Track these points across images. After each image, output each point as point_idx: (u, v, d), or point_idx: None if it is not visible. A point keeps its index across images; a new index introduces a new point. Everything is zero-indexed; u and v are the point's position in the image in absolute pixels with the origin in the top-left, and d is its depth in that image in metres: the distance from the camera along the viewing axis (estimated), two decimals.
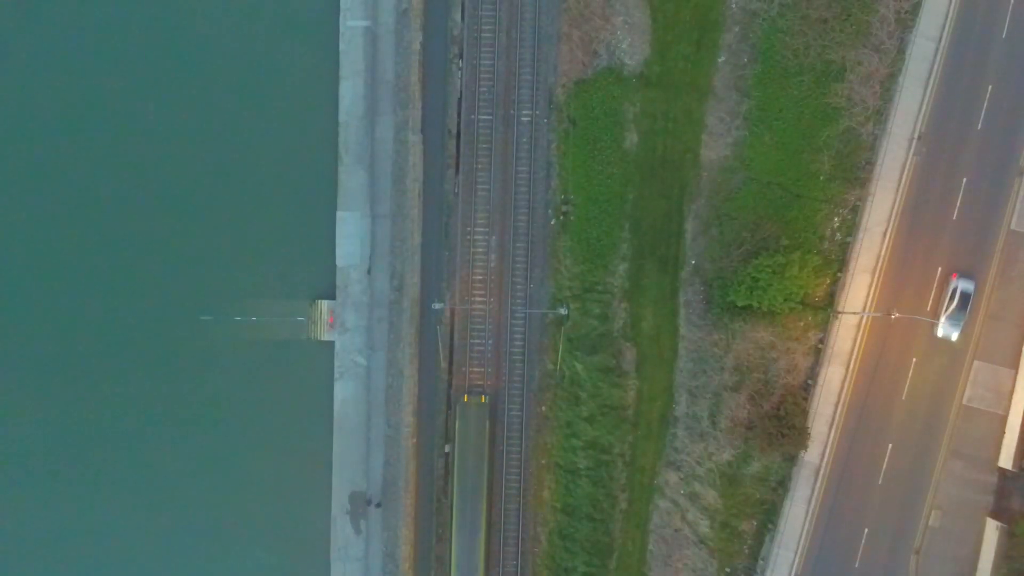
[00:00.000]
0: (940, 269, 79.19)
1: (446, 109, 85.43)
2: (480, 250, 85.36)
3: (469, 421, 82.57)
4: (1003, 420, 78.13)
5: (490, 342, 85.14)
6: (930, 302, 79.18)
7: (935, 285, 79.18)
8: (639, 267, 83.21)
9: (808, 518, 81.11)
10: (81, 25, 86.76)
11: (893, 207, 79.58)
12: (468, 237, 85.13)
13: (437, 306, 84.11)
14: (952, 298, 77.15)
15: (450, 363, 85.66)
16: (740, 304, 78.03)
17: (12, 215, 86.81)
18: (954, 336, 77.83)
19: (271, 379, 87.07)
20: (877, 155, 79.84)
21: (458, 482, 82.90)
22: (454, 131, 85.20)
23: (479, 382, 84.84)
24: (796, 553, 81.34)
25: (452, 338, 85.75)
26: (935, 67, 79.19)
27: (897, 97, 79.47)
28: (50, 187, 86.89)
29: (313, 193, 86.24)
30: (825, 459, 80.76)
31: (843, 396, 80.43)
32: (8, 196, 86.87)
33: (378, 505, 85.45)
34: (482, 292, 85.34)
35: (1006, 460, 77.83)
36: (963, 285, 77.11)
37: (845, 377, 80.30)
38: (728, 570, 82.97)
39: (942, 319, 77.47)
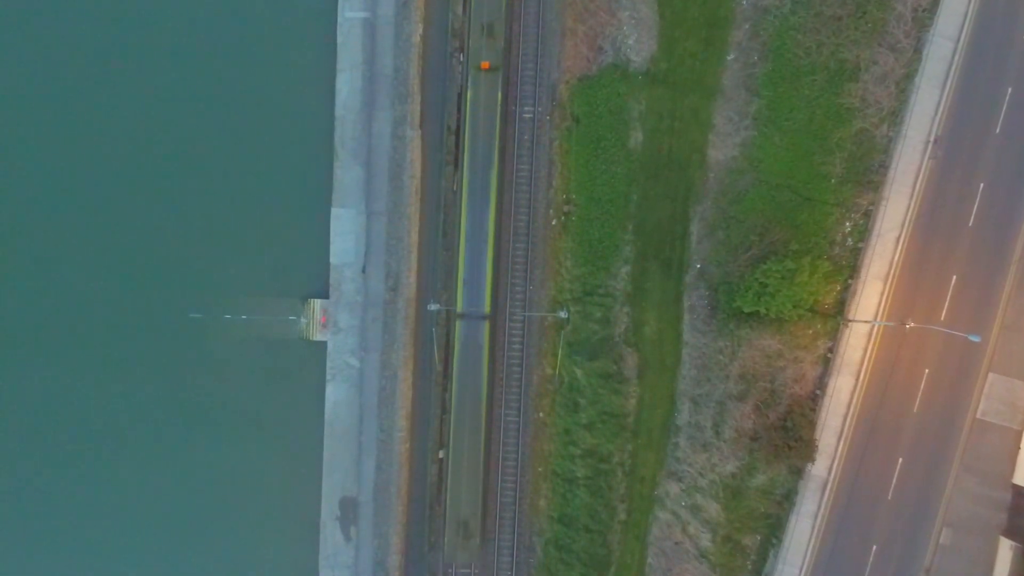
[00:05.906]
0: (955, 277, 78.01)
1: (446, 104, 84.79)
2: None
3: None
4: (1018, 435, 77.34)
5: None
6: (944, 312, 77.87)
7: (949, 293, 78.05)
8: (642, 270, 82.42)
9: (814, 533, 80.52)
10: (77, 19, 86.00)
11: (907, 212, 78.66)
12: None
13: (433, 307, 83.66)
14: None
15: (445, 367, 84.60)
16: (747, 310, 77.33)
17: (5, 211, 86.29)
18: None
19: (261, 379, 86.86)
20: (891, 158, 78.85)
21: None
22: (453, 127, 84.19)
23: None
24: (801, 570, 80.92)
25: (448, 341, 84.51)
26: (953, 67, 78.23)
27: (913, 98, 78.50)
28: (39, 182, 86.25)
29: (307, 188, 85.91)
30: (833, 473, 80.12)
31: (852, 407, 79.59)
32: (1, 192, 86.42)
33: None
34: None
35: (1021, 477, 77.09)
36: None
37: (855, 388, 79.50)
38: None
39: None
